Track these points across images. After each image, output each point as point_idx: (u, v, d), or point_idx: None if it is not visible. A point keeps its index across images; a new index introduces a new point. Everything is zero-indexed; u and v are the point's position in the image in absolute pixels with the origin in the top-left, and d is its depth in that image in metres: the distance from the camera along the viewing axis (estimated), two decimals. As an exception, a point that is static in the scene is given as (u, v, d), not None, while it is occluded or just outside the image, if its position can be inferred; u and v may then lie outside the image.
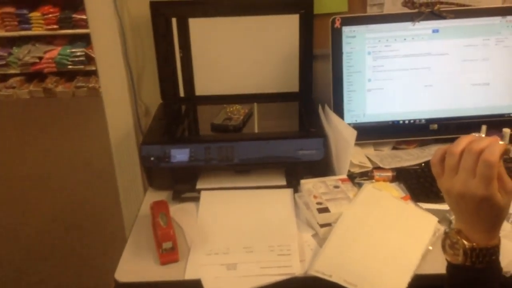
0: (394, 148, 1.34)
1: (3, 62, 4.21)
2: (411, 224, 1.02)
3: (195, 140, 1.20)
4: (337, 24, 1.23)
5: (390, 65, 1.26)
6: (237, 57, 1.41)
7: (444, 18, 1.22)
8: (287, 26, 1.37)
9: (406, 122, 1.30)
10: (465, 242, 0.65)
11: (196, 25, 1.36)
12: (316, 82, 1.44)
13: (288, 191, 1.16)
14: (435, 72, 1.26)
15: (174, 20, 1.35)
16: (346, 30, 1.24)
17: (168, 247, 0.97)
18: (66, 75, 4.32)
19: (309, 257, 0.97)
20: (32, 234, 2.44)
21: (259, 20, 1.37)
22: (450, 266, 0.69)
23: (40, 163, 3.12)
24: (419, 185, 1.15)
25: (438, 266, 0.93)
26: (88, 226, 2.46)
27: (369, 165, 1.24)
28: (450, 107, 1.28)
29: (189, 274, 0.93)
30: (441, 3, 1.23)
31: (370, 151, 1.32)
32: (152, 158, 1.15)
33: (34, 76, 4.28)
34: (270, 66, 1.42)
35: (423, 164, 1.24)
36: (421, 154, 1.28)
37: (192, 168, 1.17)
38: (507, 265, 0.92)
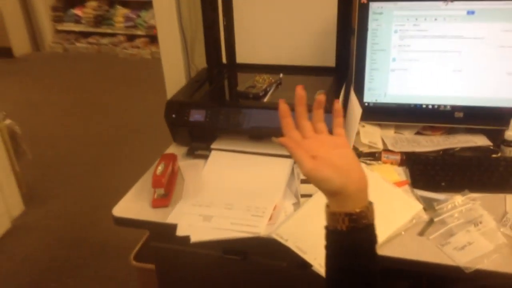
0: (418, 133, 1.29)
1: (132, 24, 4.69)
2: (390, 207, 1.01)
3: (212, 103, 1.29)
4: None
5: (417, 45, 1.21)
6: (277, 28, 1.45)
7: (481, -2, 1.14)
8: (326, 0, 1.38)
9: (430, 106, 1.24)
10: (328, 209, 0.70)
11: (239, -5, 1.44)
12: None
13: (289, 161, 1.21)
14: (467, 57, 1.18)
15: (219, -11, 1.44)
16: (373, 6, 1.21)
17: (160, 193, 1.11)
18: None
19: (279, 222, 1.02)
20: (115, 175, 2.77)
21: (299, -7, 1.39)
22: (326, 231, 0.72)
23: (134, 117, 3.47)
24: (424, 172, 1.12)
25: (402, 251, 0.93)
26: (125, 157, 2.66)
27: (380, 146, 1.22)
28: (479, 95, 1.20)
29: (170, 219, 1.05)
30: (480, -18, 1.14)
31: (390, 133, 1.29)
32: (173, 115, 1.27)
33: (156, 38, 4.70)
34: (309, 39, 1.44)
35: (441, 152, 1.19)
36: (442, 142, 1.22)
37: (208, 129, 1.27)
38: (471, 261, 0.89)
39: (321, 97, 0.76)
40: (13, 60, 4.71)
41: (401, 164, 1.18)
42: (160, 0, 1.56)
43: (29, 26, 4.86)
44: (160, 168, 1.13)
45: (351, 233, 0.68)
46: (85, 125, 3.42)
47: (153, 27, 4.62)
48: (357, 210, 0.68)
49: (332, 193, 0.69)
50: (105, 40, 4.79)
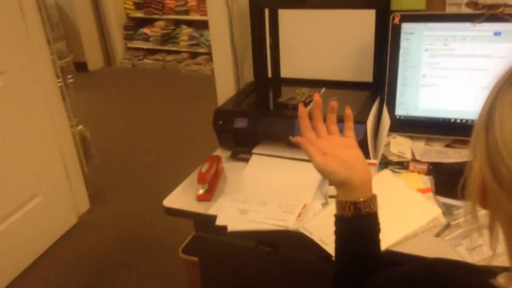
0: (447, 146, 1.36)
1: (195, 42, 4.98)
2: (410, 210, 1.10)
3: (255, 112, 1.44)
4: (397, 20, 1.32)
5: (446, 63, 1.29)
6: (318, 45, 1.58)
7: (507, 21, 1.21)
8: (365, 19, 1.49)
9: (458, 121, 1.32)
10: (337, 199, 0.82)
11: (285, 15, 1.58)
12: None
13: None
14: (494, 75, 1.25)
15: (266, 10, 1.60)
16: (405, 27, 1.31)
17: (204, 189, 1.25)
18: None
19: (308, 219, 1.14)
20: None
21: (340, 13, 1.52)
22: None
23: (190, 129, 3.68)
24: (447, 181, 1.19)
25: (416, 249, 1.02)
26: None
27: (408, 156, 1.31)
28: (506, 110, 1.26)
29: (211, 210, 1.20)
30: (507, 5, 1.22)
31: (420, 144, 1.37)
32: (220, 122, 1.43)
33: (218, 55, 4.96)
34: (348, 56, 1.56)
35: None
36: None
37: (249, 135, 1.41)
38: (481, 260, 0.96)
39: (333, 103, 0.88)
40: (88, 74, 5.13)
41: (427, 173, 1.25)
42: (216, 21, 1.75)
43: (102, 44, 5.28)
44: (205, 166, 1.28)
45: (355, 220, 0.79)
46: (146, 133, 3.69)
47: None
48: (361, 199, 0.79)
49: (339, 184, 0.80)
50: (170, 57, 5.11)
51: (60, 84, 2.36)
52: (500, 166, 0.49)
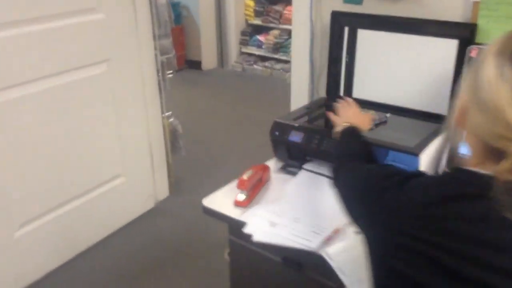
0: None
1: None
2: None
3: (311, 128, 1.42)
4: (473, 53, 1.22)
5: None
6: (393, 70, 1.52)
7: None
8: (445, 49, 1.40)
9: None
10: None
11: (364, 35, 1.55)
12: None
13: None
14: None
15: (346, 29, 1.57)
16: (482, 60, 1.21)
17: (244, 195, 1.27)
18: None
19: (333, 244, 1.10)
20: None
21: (420, 39, 1.44)
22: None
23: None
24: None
25: None
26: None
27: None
28: None
29: (243, 217, 1.21)
30: None
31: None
32: (277, 133, 1.44)
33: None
34: (422, 85, 1.48)
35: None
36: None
37: (302, 150, 1.40)
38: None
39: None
40: (201, 72, 5.43)
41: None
42: (298, 34, 1.76)
43: (219, 46, 5.55)
44: (247, 173, 1.30)
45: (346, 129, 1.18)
46: (241, 137, 3.80)
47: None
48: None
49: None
50: (278, 66, 5.20)
51: (159, 77, 2.54)
52: (481, 92, 0.69)
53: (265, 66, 5.33)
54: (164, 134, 2.73)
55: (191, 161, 3.20)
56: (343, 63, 1.61)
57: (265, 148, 3.67)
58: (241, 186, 1.26)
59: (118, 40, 2.28)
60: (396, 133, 1.43)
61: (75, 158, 2.21)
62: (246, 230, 1.17)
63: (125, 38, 2.32)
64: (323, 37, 1.71)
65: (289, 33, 5.28)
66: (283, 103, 4.50)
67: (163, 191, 2.83)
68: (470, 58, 1.22)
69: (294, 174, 1.40)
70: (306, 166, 1.41)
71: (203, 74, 5.43)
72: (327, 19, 1.66)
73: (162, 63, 2.54)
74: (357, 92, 1.61)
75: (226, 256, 1.78)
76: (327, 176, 1.35)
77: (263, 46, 5.42)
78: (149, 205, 2.73)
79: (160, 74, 2.54)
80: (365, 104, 1.57)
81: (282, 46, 5.24)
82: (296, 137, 1.40)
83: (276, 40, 5.30)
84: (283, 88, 4.94)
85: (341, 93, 1.65)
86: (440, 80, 1.44)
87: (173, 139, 2.84)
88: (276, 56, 5.29)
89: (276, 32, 5.37)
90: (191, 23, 5.36)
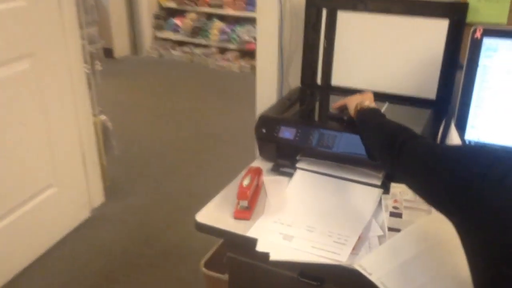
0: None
1: (226, 37, 4.84)
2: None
3: (303, 122, 1.28)
4: (478, 34, 1.15)
5: (532, 87, 1.13)
6: (378, 54, 1.42)
7: None
8: (434, 30, 1.33)
9: (539, 154, 1.15)
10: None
11: (344, 18, 1.43)
12: (456, 94, 1.36)
13: (377, 191, 1.16)
14: None
15: (324, 11, 1.44)
16: (487, 42, 1.15)
17: (243, 205, 1.11)
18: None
19: (363, 253, 0.98)
20: (199, 180, 2.83)
21: (406, 20, 1.36)
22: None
23: (224, 129, 3.55)
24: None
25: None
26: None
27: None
28: None
29: (251, 232, 1.05)
30: None
31: (490, 176, 1.20)
32: (263, 130, 1.28)
33: (246, 53, 4.81)
34: (409, 68, 1.40)
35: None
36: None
37: (295, 147, 1.26)
38: None
39: None
40: (113, 61, 5.02)
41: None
42: (264, 17, 1.59)
43: (131, 31, 5.17)
44: (246, 180, 1.13)
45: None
46: (171, 129, 3.55)
47: (245, 42, 4.74)
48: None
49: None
50: (198, 51, 4.97)
51: (87, 70, 2.24)
52: None
53: (184, 52, 5.07)
54: (96, 134, 2.44)
55: (124, 161, 2.93)
56: (320, 49, 1.48)
57: (201, 140, 3.49)
58: (243, 196, 1.09)
59: (41, 30, 1.95)
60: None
61: (-1, 170, 1.87)
62: (260, 248, 1.01)
63: (49, 27, 1.99)
64: (293, 19, 1.56)
65: (207, 16, 5.06)
66: (211, 91, 4.35)
67: (98, 197, 2.54)
68: (475, 40, 1.15)
69: (288, 174, 1.26)
70: (300, 164, 1.27)
71: (116, 63, 5.04)
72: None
73: (91, 54, 2.24)
74: (336, 80, 1.50)
75: (203, 268, 1.61)
76: (326, 174, 1.23)
77: (180, 30, 5.14)
78: (85, 214, 2.43)
79: (89, 66, 2.23)
80: (347, 93, 1.46)
81: (202, 30, 5.01)
82: (287, 133, 1.25)
83: (194, 24, 5.05)
84: (206, 74, 4.73)
85: (318, 81, 1.52)
86: (429, 64, 1.37)
87: (105, 138, 2.55)
88: (195, 40, 5.05)
89: (193, 15, 5.12)
90: (99, 6, 4.91)
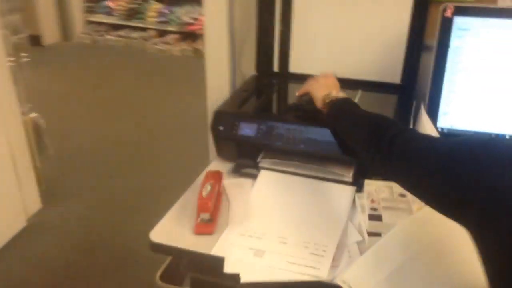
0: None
1: (164, 19, 4.60)
2: (470, 263, 0.86)
3: (266, 117, 1.16)
4: (449, 13, 1.06)
5: (505, 69, 1.06)
6: (339, 37, 1.31)
7: None
8: (398, 9, 1.23)
9: (514, 138, 1.09)
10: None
11: (300, -1, 1.30)
12: (423, 77, 1.28)
13: (350, 189, 1.06)
14: None
15: (278, -9, 1.31)
16: (459, 21, 1.06)
17: (205, 218, 0.97)
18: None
19: (344, 264, 0.88)
20: (148, 176, 2.64)
21: (369, 0, 1.25)
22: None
23: (172, 117, 3.35)
24: None
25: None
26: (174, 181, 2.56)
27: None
28: None
29: (216, 250, 0.91)
30: None
31: (464, 165, 1.13)
32: (221, 127, 1.14)
33: (187, 35, 4.59)
34: (373, 52, 1.30)
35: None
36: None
37: (257, 145, 1.13)
38: None
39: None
40: (41, 49, 4.65)
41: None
42: (211, 2, 1.44)
43: (59, 15, 4.79)
44: (206, 189, 0.99)
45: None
46: (112, 121, 3.31)
47: (185, 24, 4.51)
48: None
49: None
50: (135, 34, 4.69)
51: (12, 63, 1.98)
52: None
53: (120, 36, 4.77)
54: (27, 134, 2.19)
55: (60, 160, 2.68)
56: (276, 33, 1.35)
57: (144, 132, 3.26)
58: (204, 209, 0.96)
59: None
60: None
61: None
62: (229, 269, 0.87)
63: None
64: (243, 2, 1.42)
65: (142, -3, 4.78)
66: (152, 78, 4.10)
67: (34, 203, 2.30)
68: (446, 19, 1.06)
69: (251, 176, 1.13)
70: (263, 164, 1.14)
71: (45, 51, 4.67)
72: (247, -21, 1.38)
73: (15, 44, 1.98)
74: (294, 66, 1.38)
75: (159, 282, 1.46)
76: (293, 173, 1.11)
77: (113, 13, 4.83)
78: (21, 223, 2.19)
79: (13, 59, 1.98)
80: (303, 79, 1.35)
81: (138, 12, 4.72)
82: (248, 129, 1.12)
83: (128, 6, 4.75)
84: (145, 59, 4.47)
85: (275, 68, 1.39)
86: (393, 46, 1.28)
87: (37, 138, 2.31)
88: (131, 23, 4.76)
89: (127, -4, 4.82)
90: (21, -10, 4.51)
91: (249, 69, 1.47)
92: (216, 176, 1.05)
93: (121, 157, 2.84)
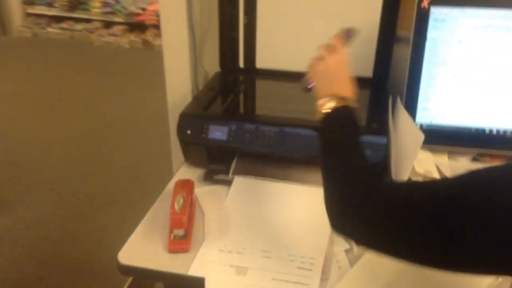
0: (474, 159, 1.11)
1: (110, 10, 4.38)
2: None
3: (238, 118, 1.08)
4: (425, 3, 1.02)
5: (485, 60, 1.03)
6: (307, 29, 1.24)
7: None
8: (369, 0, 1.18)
9: (494, 131, 1.06)
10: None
11: (266, -11, 1.22)
12: (395, 70, 1.23)
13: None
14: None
15: (242, -18, 1.22)
16: (435, 12, 1.02)
17: (179, 235, 0.89)
18: (166, 29, 4.37)
19: (334, 277, 0.82)
20: (99, 181, 2.50)
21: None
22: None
23: (123, 114, 3.19)
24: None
25: None
26: (153, 184, 2.46)
27: (437, 176, 1.04)
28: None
29: (194, 270, 0.83)
30: None
31: (443, 159, 1.10)
32: (188, 131, 1.05)
33: (136, 26, 4.40)
34: (342, 45, 1.24)
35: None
36: (506, 173, 1.04)
37: (229, 149, 1.05)
38: None
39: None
40: (-24, 43, 4.33)
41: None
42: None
43: (-5, 8, 4.47)
44: (178, 202, 0.90)
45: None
46: (61, 121, 3.11)
47: (133, 14, 4.32)
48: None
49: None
50: (79, 26, 4.44)
51: None
52: None
53: (63, 28, 4.51)
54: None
55: (6, 166, 2.50)
56: (240, 26, 1.27)
57: (95, 131, 3.07)
58: (178, 225, 0.87)
59: None
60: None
61: None
62: (210, 290, 0.80)
63: None
64: (203, -7, 1.32)
65: (85, -13, 4.53)
66: (100, 72, 3.88)
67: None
68: (422, 9, 1.02)
69: (224, 183, 1.05)
70: (235, 170, 1.06)
71: (-20, 46, 4.34)
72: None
73: None
74: (261, 61, 1.30)
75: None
76: (269, 179, 1.04)
77: (55, 5, 4.55)
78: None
79: None
80: (275, 76, 1.28)
81: (81, 2, 4.47)
82: (219, 132, 1.04)
83: (71, -4, 4.50)
84: (92, 53, 4.24)
85: (241, 64, 1.31)
86: (364, 37, 1.22)
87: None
88: (74, 15, 4.50)
89: (68, -14, 4.55)
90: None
91: (212, 65, 1.38)
92: (188, 186, 0.96)
93: (72, 159, 2.67)
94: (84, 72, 3.89)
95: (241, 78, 1.30)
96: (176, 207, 0.89)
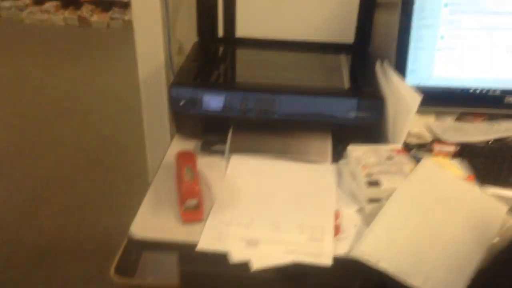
0: (457, 119, 1.16)
1: (40, -16, 4.09)
2: (476, 212, 0.88)
3: (233, 86, 1.05)
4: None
5: (470, 22, 1.07)
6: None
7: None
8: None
9: (478, 91, 1.12)
10: None
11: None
12: (376, 35, 1.25)
13: (332, 167, 1.01)
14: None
15: None
16: (422, -25, 1.04)
17: (192, 205, 0.86)
18: (102, 5, 4.16)
19: (353, 235, 0.83)
20: (53, 162, 2.38)
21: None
22: None
23: (67, 93, 3.04)
24: (487, 165, 0.99)
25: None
26: (111, 163, 2.37)
27: (428, 137, 1.08)
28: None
29: (203, 242, 0.80)
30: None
31: (431, 120, 1.15)
32: (182, 102, 1.01)
33: (70, 2, 4.14)
34: (323, 11, 1.24)
35: (490, 142, 1.07)
36: (489, 130, 1.11)
37: (226, 119, 1.03)
38: None
39: None
40: None
41: (454, 156, 1.03)
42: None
43: None
44: (188, 173, 0.87)
45: None
46: (8, 103, 2.91)
47: (66, -11, 4.06)
48: None
49: None
50: (7, 3, 4.10)
51: None
52: None
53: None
54: None
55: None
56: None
57: (37, 115, 2.86)
58: (191, 194, 0.84)
59: None
60: (317, 75, 1.19)
61: None
62: (235, 259, 0.78)
63: None
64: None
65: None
66: (36, 53, 3.60)
67: None
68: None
69: (223, 153, 1.03)
70: (233, 140, 1.04)
71: None
72: None
73: None
74: (241, 30, 1.27)
75: (114, 275, 1.31)
76: (265, 154, 1.02)
77: (-25, -20, 4.16)
78: None
79: None
80: (255, 45, 1.26)
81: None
82: (215, 102, 1.01)
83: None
84: (23, 32, 3.95)
85: (220, 32, 1.27)
86: (343, 4, 1.23)
87: None
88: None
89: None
90: None
91: (187, 34, 1.33)
92: (191, 158, 0.93)
93: (25, 140, 2.53)
94: (20, 53, 3.62)
95: (223, 48, 1.27)
96: (187, 178, 0.86)
